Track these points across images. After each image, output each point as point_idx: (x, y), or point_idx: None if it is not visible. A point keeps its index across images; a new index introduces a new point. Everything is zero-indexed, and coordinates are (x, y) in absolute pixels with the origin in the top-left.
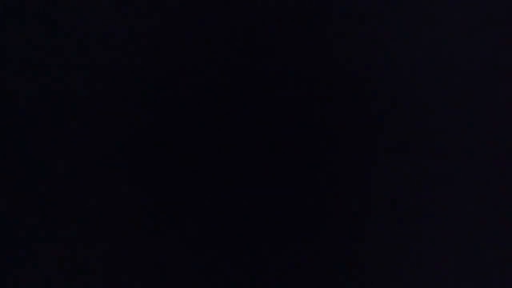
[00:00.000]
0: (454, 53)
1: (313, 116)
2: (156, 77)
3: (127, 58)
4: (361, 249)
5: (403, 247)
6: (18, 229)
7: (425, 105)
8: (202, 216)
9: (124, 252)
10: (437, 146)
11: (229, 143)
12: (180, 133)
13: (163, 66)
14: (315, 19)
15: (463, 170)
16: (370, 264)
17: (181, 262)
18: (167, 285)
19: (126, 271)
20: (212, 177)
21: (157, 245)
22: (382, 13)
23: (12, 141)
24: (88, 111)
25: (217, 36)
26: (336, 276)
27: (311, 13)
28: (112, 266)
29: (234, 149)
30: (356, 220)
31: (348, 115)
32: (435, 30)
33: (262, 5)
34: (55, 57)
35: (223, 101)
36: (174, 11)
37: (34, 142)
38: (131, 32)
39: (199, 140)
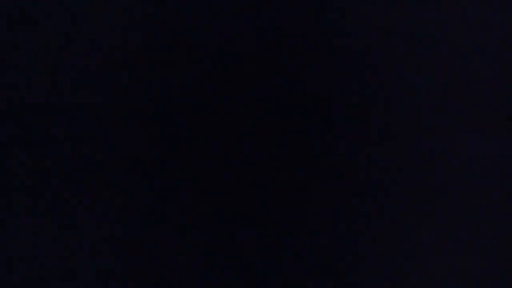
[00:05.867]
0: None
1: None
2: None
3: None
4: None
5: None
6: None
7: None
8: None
9: (121, 251)
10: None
11: (226, 141)
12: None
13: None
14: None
15: (461, 168)
16: (367, 265)
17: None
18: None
19: (122, 270)
20: (209, 175)
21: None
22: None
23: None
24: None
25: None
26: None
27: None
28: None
29: (232, 147)
30: (353, 219)
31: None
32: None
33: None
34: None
35: (219, 99)
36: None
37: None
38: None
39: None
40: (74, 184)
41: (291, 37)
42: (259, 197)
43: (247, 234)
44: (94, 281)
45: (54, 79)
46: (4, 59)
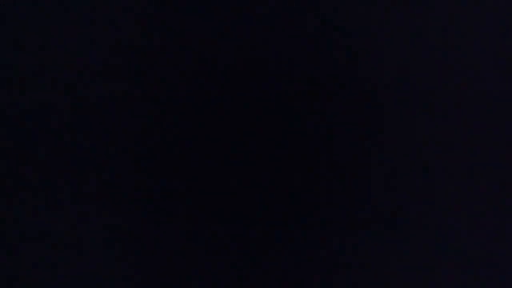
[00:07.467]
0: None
1: (310, 117)
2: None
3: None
4: (359, 250)
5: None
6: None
7: (425, 105)
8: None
9: (121, 249)
10: (437, 147)
11: (227, 143)
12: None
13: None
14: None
15: (463, 170)
16: (367, 265)
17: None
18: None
19: (123, 268)
20: (210, 176)
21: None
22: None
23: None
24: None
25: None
26: (331, 275)
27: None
28: (108, 262)
29: (232, 149)
30: (354, 221)
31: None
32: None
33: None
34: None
35: (221, 101)
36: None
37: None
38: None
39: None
40: (74, 185)
41: (290, 37)
42: (259, 197)
43: (247, 234)
44: (95, 281)
45: (54, 79)
46: (4, 59)
